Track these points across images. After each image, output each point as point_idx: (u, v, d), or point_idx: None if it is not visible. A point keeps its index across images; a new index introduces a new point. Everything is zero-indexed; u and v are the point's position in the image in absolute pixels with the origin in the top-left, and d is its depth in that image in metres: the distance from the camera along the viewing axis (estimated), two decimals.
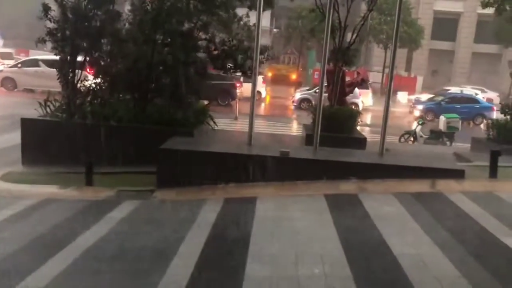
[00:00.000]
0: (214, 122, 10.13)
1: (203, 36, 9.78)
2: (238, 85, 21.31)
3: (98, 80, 9.36)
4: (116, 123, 8.75)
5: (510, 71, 11.38)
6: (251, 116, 8.02)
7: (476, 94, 26.61)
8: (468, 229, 5.36)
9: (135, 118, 8.84)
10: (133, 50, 8.99)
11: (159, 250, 4.77)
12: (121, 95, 9.52)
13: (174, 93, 9.08)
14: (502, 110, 11.63)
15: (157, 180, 7.15)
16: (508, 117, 11.14)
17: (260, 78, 25.28)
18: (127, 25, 9.48)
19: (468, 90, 27.80)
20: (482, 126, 19.57)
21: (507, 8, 11.29)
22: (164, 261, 4.43)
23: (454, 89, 28.23)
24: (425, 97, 26.10)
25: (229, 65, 9.82)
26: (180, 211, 6.15)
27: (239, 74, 10.29)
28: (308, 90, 24.10)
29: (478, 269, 4.27)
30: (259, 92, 23.75)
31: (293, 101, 23.60)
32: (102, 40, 9.23)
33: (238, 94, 21.12)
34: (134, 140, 8.51)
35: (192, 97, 9.55)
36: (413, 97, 27.77)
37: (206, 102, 11.31)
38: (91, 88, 9.30)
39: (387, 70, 9.62)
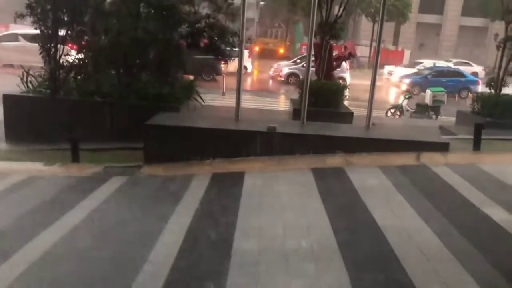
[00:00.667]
0: (201, 98, 10.05)
1: (188, 9, 9.56)
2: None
3: (82, 55, 9.16)
4: (101, 98, 8.63)
5: (496, 44, 11.38)
6: (238, 91, 7.97)
7: (448, 66, 26.79)
8: (452, 200, 5.48)
9: (121, 93, 8.71)
10: (117, 23, 8.78)
11: (148, 226, 4.79)
12: (105, 70, 9.34)
13: (160, 68, 8.94)
14: (487, 84, 11.72)
15: (144, 156, 7.12)
16: (493, 90, 11.26)
17: (245, 53, 25.09)
18: None
19: (441, 63, 27.93)
20: (467, 99, 19.80)
21: None
22: (153, 236, 4.46)
23: (426, 62, 28.38)
24: (399, 70, 26.18)
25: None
26: (168, 186, 6.16)
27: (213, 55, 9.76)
28: (295, 63, 24.00)
29: (460, 239, 4.40)
30: (245, 67, 23.60)
31: (280, 75, 23.51)
32: (84, 14, 8.97)
33: (222, 69, 20.92)
34: (119, 116, 8.42)
35: (178, 72, 9.41)
36: (386, 70, 27.76)
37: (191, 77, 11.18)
38: (75, 63, 9.11)
39: (375, 44, 9.60)
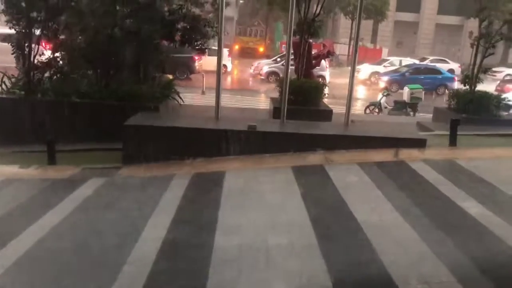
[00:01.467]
0: (180, 97, 9.96)
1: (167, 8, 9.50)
2: (197, 58, 21.17)
3: (57, 55, 8.98)
4: (78, 99, 8.48)
5: (470, 42, 11.63)
6: (218, 90, 7.93)
7: (414, 62, 27.27)
8: (428, 195, 5.59)
9: (99, 93, 8.58)
10: (93, 22, 8.64)
11: (126, 227, 4.74)
12: (82, 70, 9.19)
13: (138, 67, 8.84)
14: (462, 81, 11.95)
15: (122, 157, 7.04)
16: (468, 87, 11.48)
17: (225, 51, 25.00)
18: None
19: (408, 60, 28.38)
20: (444, 96, 20.15)
21: None
22: (133, 236, 4.42)
23: (393, 59, 28.92)
24: (366, 68, 26.44)
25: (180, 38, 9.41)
26: (147, 187, 6.10)
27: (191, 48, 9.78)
28: (275, 62, 24.06)
29: (437, 233, 4.49)
30: (224, 66, 23.57)
31: (260, 74, 23.53)
32: (60, 13, 8.80)
33: (197, 67, 20.93)
34: (97, 117, 8.29)
35: (157, 71, 9.32)
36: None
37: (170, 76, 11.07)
38: (50, 63, 8.92)
39: (353, 42, 9.67)
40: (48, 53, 9.19)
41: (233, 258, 4.05)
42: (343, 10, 34.60)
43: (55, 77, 8.96)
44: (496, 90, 18.25)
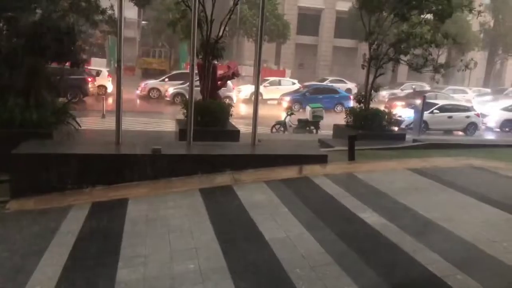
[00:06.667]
0: (77, 122, 9.30)
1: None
2: (90, 79, 20.39)
3: None
4: None
5: (361, 63, 12.58)
6: (118, 113, 7.55)
7: (294, 83, 29.05)
8: (331, 208, 5.83)
9: None
10: None
11: (13, 270, 4.22)
12: None
13: (27, 90, 8.08)
14: (356, 99, 12.80)
15: (10, 189, 6.33)
16: (362, 105, 12.36)
17: (104, 71, 24.00)
18: None
19: (287, 80, 30.24)
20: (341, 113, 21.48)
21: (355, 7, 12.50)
22: (20, 280, 3.94)
23: (272, 79, 30.58)
24: (246, 88, 27.14)
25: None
26: (39, 222, 5.52)
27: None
28: (163, 81, 23.85)
29: (339, 244, 4.67)
30: (104, 86, 22.89)
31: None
32: None
33: (91, 89, 20.18)
34: None
35: (49, 94, 8.60)
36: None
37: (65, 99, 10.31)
38: None
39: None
40: None
41: None
42: (246, 33, 35.56)
43: None
44: (385, 107, 19.95)
